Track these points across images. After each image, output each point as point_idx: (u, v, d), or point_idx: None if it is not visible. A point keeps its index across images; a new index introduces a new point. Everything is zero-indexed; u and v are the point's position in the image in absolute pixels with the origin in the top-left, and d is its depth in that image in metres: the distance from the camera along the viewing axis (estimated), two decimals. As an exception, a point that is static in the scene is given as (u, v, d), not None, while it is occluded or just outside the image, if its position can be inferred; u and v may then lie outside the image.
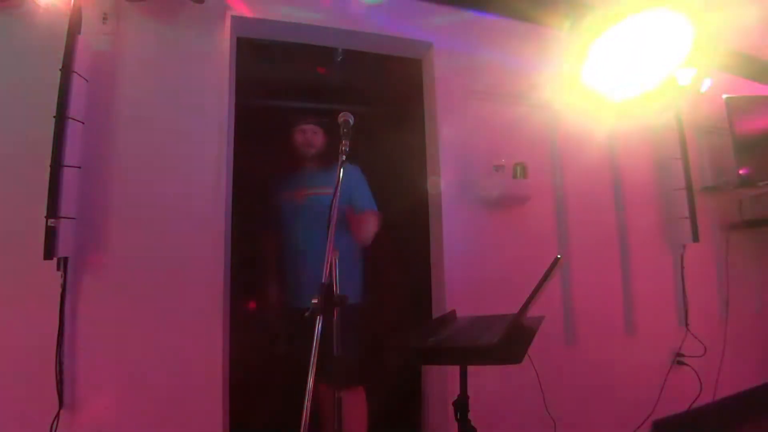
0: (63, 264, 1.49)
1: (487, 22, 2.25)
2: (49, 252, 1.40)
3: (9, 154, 1.52)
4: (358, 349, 1.70)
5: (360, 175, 1.95)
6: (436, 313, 2.07)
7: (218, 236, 1.70)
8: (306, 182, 1.92)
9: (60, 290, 1.48)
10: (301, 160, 1.99)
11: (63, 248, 1.44)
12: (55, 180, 1.43)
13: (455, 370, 1.29)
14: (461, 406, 1.21)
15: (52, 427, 1.42)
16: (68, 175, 1.47)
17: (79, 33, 1.54)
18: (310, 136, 1.97)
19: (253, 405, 1.98)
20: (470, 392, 1.22)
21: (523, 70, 2.26)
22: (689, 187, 2.42)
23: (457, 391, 1.23)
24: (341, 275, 1.55)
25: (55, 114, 1.45)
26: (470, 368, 1.25)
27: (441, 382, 1.98)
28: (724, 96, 2.53)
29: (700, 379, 2.38)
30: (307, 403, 0.80)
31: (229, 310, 1.75)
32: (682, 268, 2.47)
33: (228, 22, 1.83)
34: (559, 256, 1.17)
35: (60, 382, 1.45)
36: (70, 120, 1.47)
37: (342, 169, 1.15)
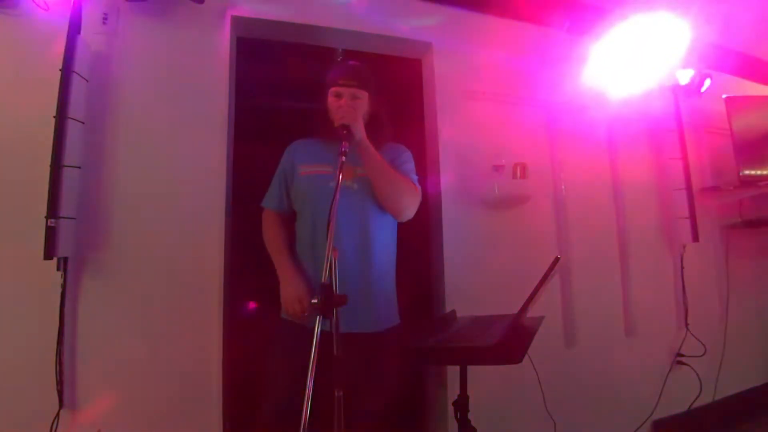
0: (63, 264, 1.49)
1: (487, 22, 2.25)
2: (49, 252, 1.40)
3: (9, 154, 1.52)
4: (397, 386, 1.42)
5: (407, 150, 1.55)
6: (436, 313, 2.07)
7: (218, 236, 1.71)
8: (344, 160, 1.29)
9: (60, 290, 1.48)
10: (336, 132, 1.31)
11: (63, 248, 1.44)
12: (55, 180, 1.43)
13: (455, 370, 1.29)
14: (461, 406, 1.21)
15: (52, 427, 1.42)
16: (68, 175, 1.47)
17: (79, 33, 1.54)
18: (348, 101, 1.39)
19: (252, 405, 1.97)
20: (470, 392, 1.22)
21: (523, 70, 2.26)
22: (689, 187, 2.42)
23: (457, 391, 1.23)
24: (385, 295, 1.42)
25: (55, 114, 1.45)
26: (470, 368, 1.25)
27: (441, 382, 1.98)
28: (724, 96, 2.53)
29: (700, 379, 2.38)
30: (305, 406, 0.80)
31: (229, 311, 1.75)
32: (682, 268, 2.47)
33: (228, 22, 1.83)
34: (558, 257, 1.17)
35: (60, 382, 1.45)
36: (70, 120, 1.47)
37: (341, 171, 1.09)
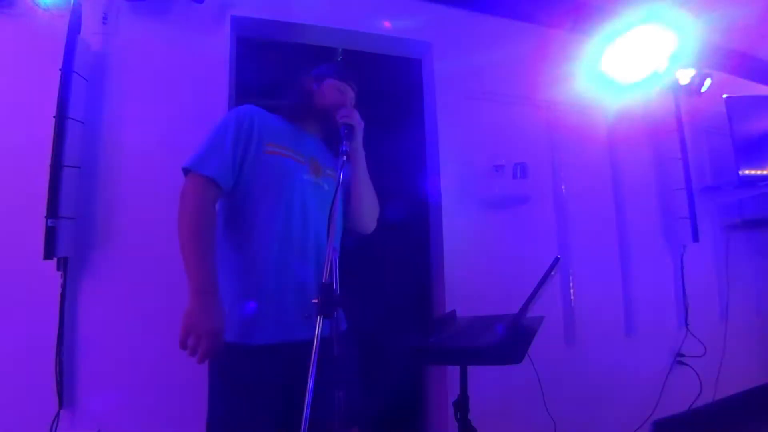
0: (63, 264, 1.49)
1: (487, 21, 2.25)
2: (49, 252, 1.40)
3: (9, 154, 1.52)
4: (358, 385, 1.26)
5: None
6: (436, 313, 2.07)
7: (218, 236, 1.70)
8: (315, 153, 1.27)
9: (60, 290, 1.48)
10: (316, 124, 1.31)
11: (63, 248, 1.44)
12: (55, 180, 1.43)
13: (455, 370, 1.29)
14: (461, 406, 1.20)
15: (52, 427, 1.42)
16: (68, 175, 1.47)
17: (79, 33, 1.54)
18: (349, 101, 1.33)
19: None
20: (470, 392, 1.22)
21: (523, 70, 2.26)
22: (689, 187, 2.42)
23: (457, 391, 1.23)
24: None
25: (55, 114, 1.45)
26: (470, 368, 1.25)
27: (441, 382, 1.98)
28: (724, 96, 2.53)
29: (700, 380, 2.38)
30: (307, 404, 0.80)
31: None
32: (682, 268, 2.47)
33: (228, 22, 1.83)
34: (558, 257, 1.16)
35: (60, 382, 1.45)
36: (70, 120, 1.47)
37: (342, 170, 1.05)
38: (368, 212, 1.34)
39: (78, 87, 1.52)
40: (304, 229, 1.16)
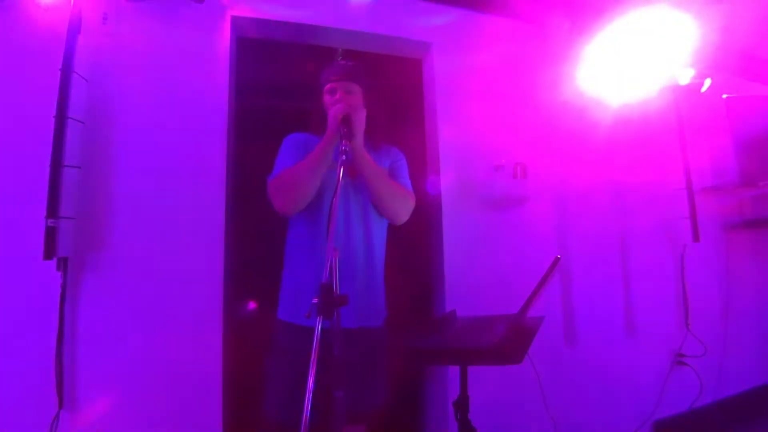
0: (63, 264, 1.48)
1: (487, 22, 2.25)
2: (49, 252, 1.40)
3: (9, 154, 1.52)
4: (387, 387, 1.36)
5: (401, 153, 1.53)
6: (436, 313, 2.07)
7: (217, 236, 1.70)
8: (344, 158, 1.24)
9: (60, 291, 1.48)
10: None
11: (63, 248, 1.44)
12: (55, 180, 1.43)
13: (455, 370, 1.29)
14: (461, 406, 1.20)
15: (52, 427, 1.42)
16: (68, 175, 1.47)
17: (79, 33, 1.54)
18: (344, 94, 1.38)
19: (252, 405, 1.97)
20: (470, 392, 1.22)
21: (523, 70, 2.26)
22: (689, 187, 2.42)
23: (457, 391, 1.23)
24: (373, 290, 1.37)
25: (55, 114, 1.45)
26: (470, 368, 1.25)
27: (441, 382, 1.98)
28: (724, 96, 2.53)
29: (700, 380, 2.38)
30: (306, 406, 0.80)
31: (229, 311, 1.74)
32: (683, 268, 2.47)
33: (228, 22, 1.83)
34: (558, 257, 1.16)
35: (60, 382, 1.45)
36: (70, 120, 1.47)
37: (342, 169, 1.07)
38: (389, 203, 1.36)
39: (78, 87, 1.52)
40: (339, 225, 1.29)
